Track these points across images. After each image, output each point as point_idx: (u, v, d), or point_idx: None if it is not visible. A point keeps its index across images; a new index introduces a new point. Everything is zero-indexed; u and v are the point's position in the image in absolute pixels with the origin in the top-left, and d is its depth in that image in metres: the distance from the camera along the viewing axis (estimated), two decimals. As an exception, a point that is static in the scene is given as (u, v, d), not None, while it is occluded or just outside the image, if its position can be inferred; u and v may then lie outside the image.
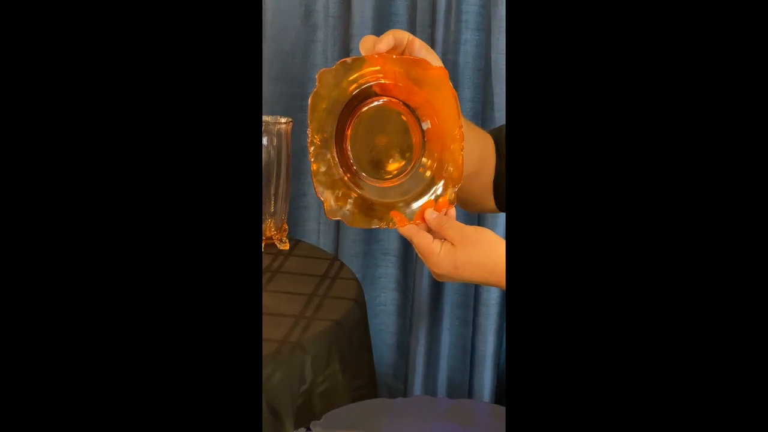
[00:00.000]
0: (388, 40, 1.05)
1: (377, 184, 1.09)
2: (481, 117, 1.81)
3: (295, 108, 1.80)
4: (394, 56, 1.05)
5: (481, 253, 1.02)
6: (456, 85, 1.77)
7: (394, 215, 1.06)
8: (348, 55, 1.72)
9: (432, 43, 1.76)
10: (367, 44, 1.05)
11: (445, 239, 1.03)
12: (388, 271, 1.91)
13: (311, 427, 1.12)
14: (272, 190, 1.46)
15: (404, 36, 1.06)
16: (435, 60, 1.07)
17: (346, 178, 1.07)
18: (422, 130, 1.08)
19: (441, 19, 1.75)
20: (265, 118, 1.46)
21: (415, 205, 1.08)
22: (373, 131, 1.08)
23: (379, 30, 1.79)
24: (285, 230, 1.50)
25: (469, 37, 1.79)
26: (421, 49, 1.06)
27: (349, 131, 1.07)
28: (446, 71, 1.07)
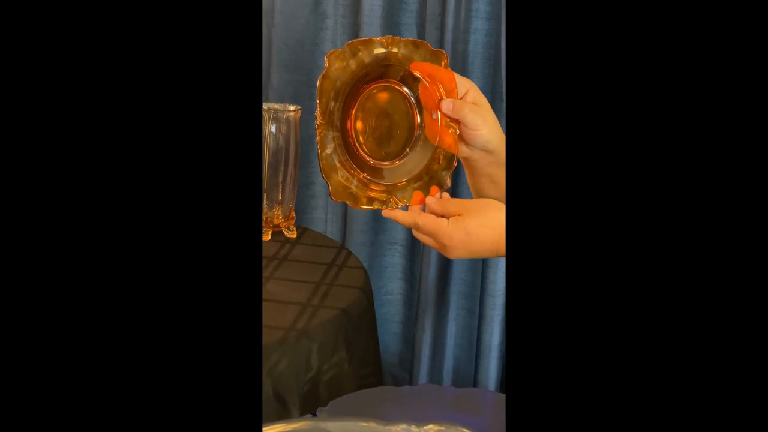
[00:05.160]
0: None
1: (381, 166, 1.10)
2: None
3: (303, 96, 1.80)
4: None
5: (491, 216, 1.01)
6: (466, 74, 1.76)
7: (395, 200, 1.09)
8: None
9: (441, 32, 1.76)
10: None
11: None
12: (394, 261, 1.91)
13: (317, 413, 1.13)
14: (280, 178, 1.46)
15: None
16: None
17: (350, 160, 1.08)
18: (422, 113, 1.10)
19: (451, 7, 1.75)
20: (273, 105, 1.46)
21: (416, 186, 1.09)
22: (378, 113, 1.09)
23: (388, 18, 1.79)
24: (292, 218, 1.50)
25: (479, 26, 1.79)
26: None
27: (354, 113, 1.08)
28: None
